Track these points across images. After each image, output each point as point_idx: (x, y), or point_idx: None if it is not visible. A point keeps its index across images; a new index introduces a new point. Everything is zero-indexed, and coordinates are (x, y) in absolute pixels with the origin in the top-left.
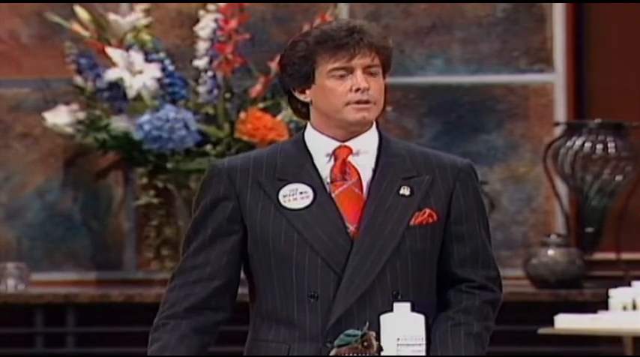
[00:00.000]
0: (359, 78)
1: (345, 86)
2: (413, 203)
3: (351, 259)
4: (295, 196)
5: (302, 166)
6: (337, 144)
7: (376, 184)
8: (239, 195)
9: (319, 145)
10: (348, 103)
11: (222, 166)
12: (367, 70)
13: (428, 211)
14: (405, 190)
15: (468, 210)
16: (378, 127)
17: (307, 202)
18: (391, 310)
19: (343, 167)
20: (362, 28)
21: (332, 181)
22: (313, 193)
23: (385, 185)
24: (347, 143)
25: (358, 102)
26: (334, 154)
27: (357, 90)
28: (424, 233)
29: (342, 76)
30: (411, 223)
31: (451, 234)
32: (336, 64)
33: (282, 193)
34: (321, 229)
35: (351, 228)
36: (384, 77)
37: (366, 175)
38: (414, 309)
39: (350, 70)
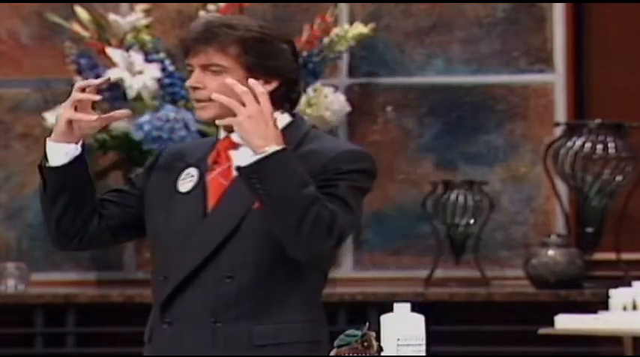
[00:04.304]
0: (192, 77)
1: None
2: None
3: (191, 240)
4: (186, 179)
5: (204, 152)
6: (224, 135)
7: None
8: (151, 175)
9: (219, 133)
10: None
11: (165, 148)
12: (208, 69)
13: None
14: None
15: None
16: (294, 121)
17: (191, 185)
18: (223, 289)
19: (217, 156)
20: (207, 26)
21: (208, 169)
22: (198, 177)
23: None
24: (232, 135)
25: (194, 100)
26: (217, 143)
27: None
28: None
29: (191, 72)
30: (255, 206)
31: None
32: (186, 61)
33: (181, 175)
34: (184, 213)
35: (210, 213)
36: (250, 72)
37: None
38: (250, 288)
39: (193, 68)
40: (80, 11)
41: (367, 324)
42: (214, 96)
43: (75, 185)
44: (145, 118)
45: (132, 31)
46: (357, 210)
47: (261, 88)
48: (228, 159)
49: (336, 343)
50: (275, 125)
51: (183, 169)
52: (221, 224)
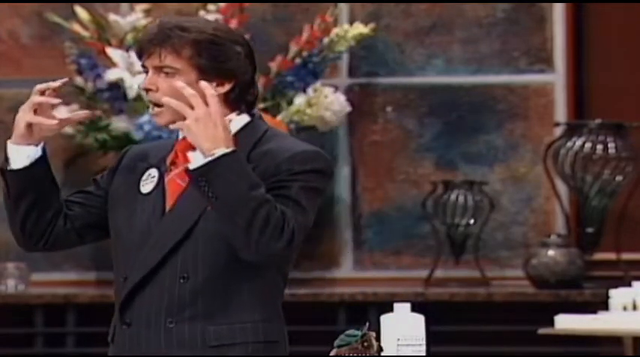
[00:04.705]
0: (146, 79)
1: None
2: None
3: (149, 240)
4: (147, 180)
5: (165, 153)
6: (182, 135)
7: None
8: (115, 176)
9: (179, 134)
10: None
11: (129, 148)
12: (161, 71)
13: None
14: None
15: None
16: (252, 121)
17: (151, 186)
18: (178, 289)
19: (175, 157)
20: (161, 28)
21: (166, 170)
22: (158, 178)
23: None
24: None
25: (149, 102)
26: (175, 144)
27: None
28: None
29: (147, 73)
30: (209, 207)
31: None
32: (141, 63)
33: (143, 176)
34: (144, 214)
35: (166, 214)
36: (203, 74)
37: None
38: (205, 288)
39: (147, 70)
40: (80, 11)
41: (367, 324)
42: (164, 100)
43: (38, 187)
44: (145, 118)
45: (132, 31)
46: (310, 211)
47: (211, 91)
48: (187, 160)
49: (336, 343)
50: (225, 127)
51: (145, 170)
52: (177, 225)
